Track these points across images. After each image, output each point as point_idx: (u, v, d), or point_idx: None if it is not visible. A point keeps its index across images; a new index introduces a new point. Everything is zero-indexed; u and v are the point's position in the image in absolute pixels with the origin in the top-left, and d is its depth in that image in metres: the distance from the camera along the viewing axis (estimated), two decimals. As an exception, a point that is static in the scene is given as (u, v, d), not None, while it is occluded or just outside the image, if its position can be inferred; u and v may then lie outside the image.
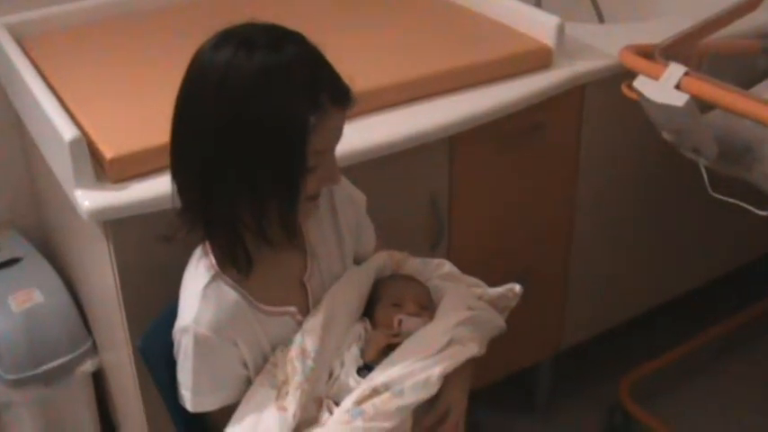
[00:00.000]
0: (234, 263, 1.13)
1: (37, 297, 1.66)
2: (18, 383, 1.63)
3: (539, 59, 1.67)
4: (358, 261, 1.29)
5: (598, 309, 2.04)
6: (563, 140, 1.77)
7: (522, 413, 2.02)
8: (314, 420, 1.13)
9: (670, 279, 2.13)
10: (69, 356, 1.66)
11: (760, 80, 1.66)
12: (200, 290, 1.13)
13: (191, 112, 1.06)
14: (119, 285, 1.35)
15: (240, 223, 1.11)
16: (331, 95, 1.04)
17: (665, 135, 1.56)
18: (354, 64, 1.56)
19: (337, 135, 1.08)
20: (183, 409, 1.17)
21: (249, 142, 1.03)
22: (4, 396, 1.64)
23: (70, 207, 1.38)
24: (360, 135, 1.46)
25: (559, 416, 2.02)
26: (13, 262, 1.74)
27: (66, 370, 1.66)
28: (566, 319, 1.98)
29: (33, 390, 1.64)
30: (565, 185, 1.83)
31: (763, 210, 1.40)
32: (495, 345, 1.27)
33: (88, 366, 1.68)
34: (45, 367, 1.64)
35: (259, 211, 1.09)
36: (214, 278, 1.14)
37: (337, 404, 1.13)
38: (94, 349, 1.70)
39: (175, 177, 1.12)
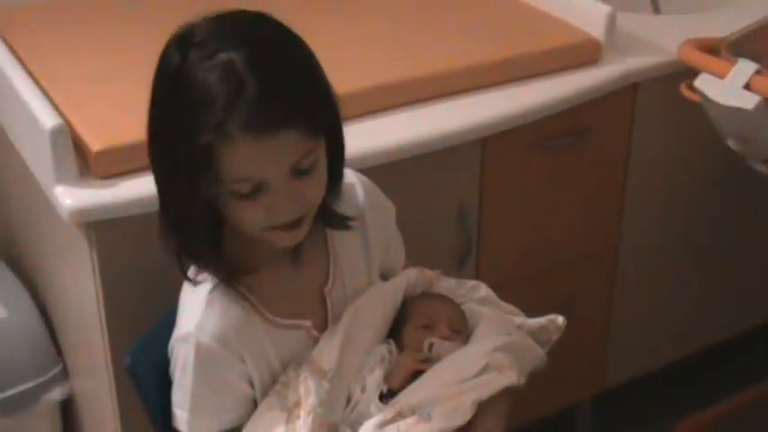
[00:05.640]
0: (216, 269, 1.19)
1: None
2: (-27, 411, 1.68)
3: (586, 53, 1.75)
4: (385, 277, 1.36)
5: (646, 343, 2.09)
6: (611, 147, 1.84)
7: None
8: (328, 449, 1.18)
9: (733, 312, 2.17)
10: (35, 382, 1.69)
11: None
12: (204, 294, 1.18)
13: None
14: (101, 299, 1.42)
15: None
16: (240, 121, 1.03)
17: (731, 143, 1.61)
18: (378, 53, 1.71)
19: (261, 165, 1.07)
20: (175, 437, 1.23)
21: (156, 149, 1.13)
22: (-43, 424, 1.69)
23: (47, 207, 1.44)
24: (379, 134, 1.54)
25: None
26: (-30, 271, 1.80)
27: (30, 398, 1.69)
28: (608, 355, 2.05)
29: (-9, 419, 1.69)
30: (611, 199, 1.89)
31: None
32: (530, 380, 1.31)
33: (56, 394, 1.71)
34: (6, 394, 1.67)
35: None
36: (221, 282, 1.19)
37: (355, 433, 1.19)
38: (65, 375, 1.73)
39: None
